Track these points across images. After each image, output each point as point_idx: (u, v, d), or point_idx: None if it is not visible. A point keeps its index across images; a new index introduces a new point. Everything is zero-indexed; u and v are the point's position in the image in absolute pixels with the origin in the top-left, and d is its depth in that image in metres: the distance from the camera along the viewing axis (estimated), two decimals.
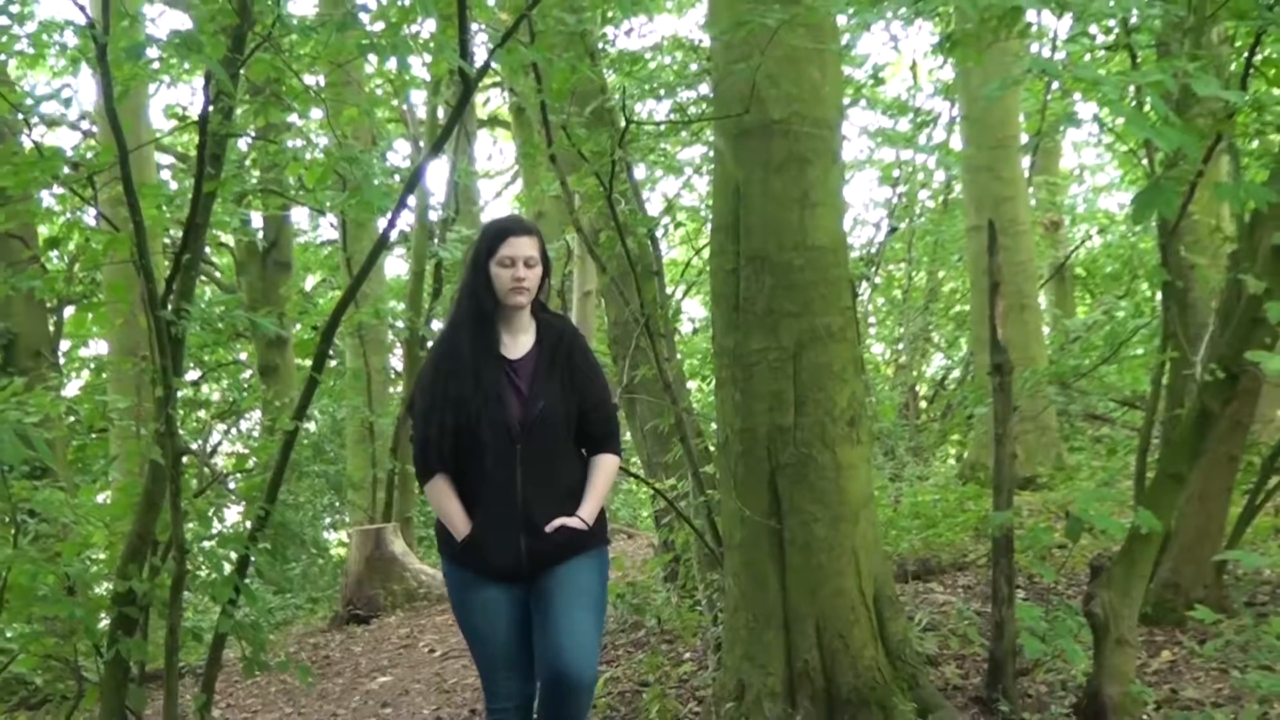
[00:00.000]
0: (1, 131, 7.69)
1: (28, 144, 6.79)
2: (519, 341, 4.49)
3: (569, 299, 14.30)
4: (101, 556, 7.06)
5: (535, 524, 4.32)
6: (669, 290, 10.47)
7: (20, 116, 7.18)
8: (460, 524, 4.39)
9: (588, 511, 4.44)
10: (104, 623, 5.43)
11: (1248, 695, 5.73)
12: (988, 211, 10.80)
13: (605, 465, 4.57)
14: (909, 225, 15.79)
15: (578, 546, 4.40)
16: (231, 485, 15.06)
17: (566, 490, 4.44)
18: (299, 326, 15.58)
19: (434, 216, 13.85)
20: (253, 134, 7.63)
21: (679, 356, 10.03)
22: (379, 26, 6.22)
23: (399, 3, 6.24)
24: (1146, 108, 5.56)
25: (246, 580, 5.77)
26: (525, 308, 4.46)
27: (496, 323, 4.45)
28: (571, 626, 4.28)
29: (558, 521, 4.35)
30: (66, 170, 6.82)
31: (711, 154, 7.06)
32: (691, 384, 11.98)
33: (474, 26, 5.55)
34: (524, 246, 4.37)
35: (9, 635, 7.18)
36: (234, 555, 6.00)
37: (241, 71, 5.56)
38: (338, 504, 17.27)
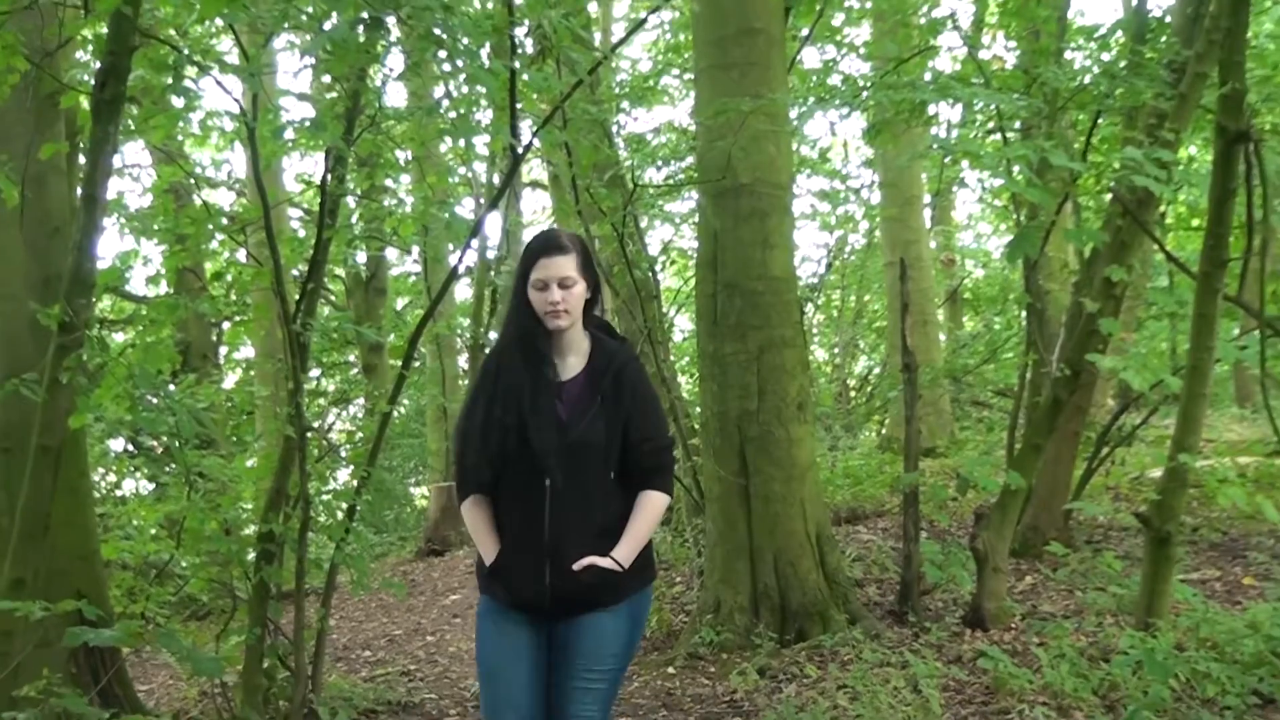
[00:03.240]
0: (179, 193, 7.68)
1: (198, 202, 6.79)
2: (568, 363, 3.16)
3: None
4: (249, 506, 7.05)
5: (562, 559, 3.01)
6: (665, 309, 10.45)
7: (193, 181, 7.19)
8: (488, 548, 3.14)
9: (623, 553, 3.05)
10: (251, 555, 5.43)
11: (1087, 609, 5.72)
12: (899, 251, 10.79)
13: (650, 504, 3.13)
14: (842, 262, 15.76)
15: (609, 594, 3.06)
16: (343, 453, 15.09)
17: (603, 527, 3.07)
18: (392, 336, 15.57)
19: (491, 255, 13.83)
20: (359, 194, 7.63)
21: (672, 358, 10.03)
22: (452, 114, 6.22)
23: (467, 95, 6.24)
24: (1015, 174, 5.54)
25: (353, 523, 5.76)
26: (569, 329, 3.12)
27: (542, 345, 3.13)
28: (584, 700, 3.07)
29: (586, 560, 3.01)
30: (225, 222, 6.83)
31: (697, 208, 7.05)
32: (682, 378, 11.94)
33: (521, 114, 5.56)
34: (559, 267, 3.06)
35: (184, 565, 7.17)
36: (344, 505, 6.01)
37: (352, 147, 5.56)
38: (420, 467, 17.33)
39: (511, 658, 3.11)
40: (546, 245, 3.10)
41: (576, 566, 3.00)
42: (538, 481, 3.02)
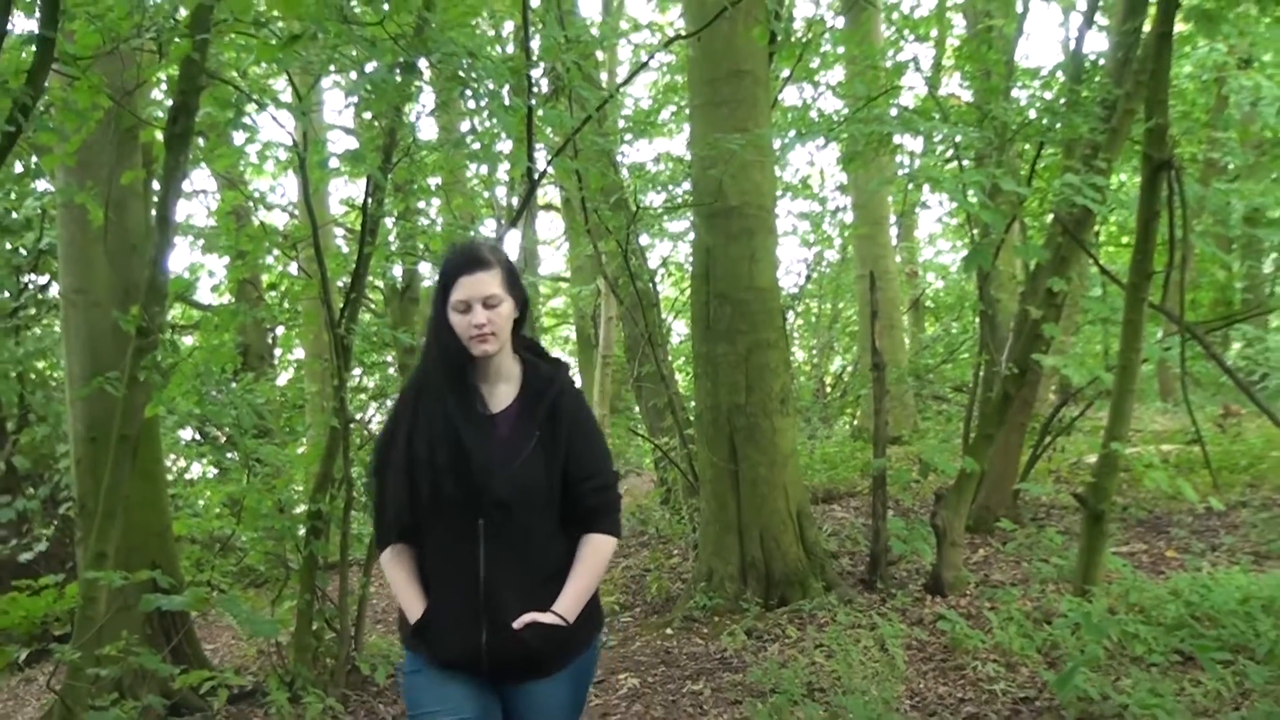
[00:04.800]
0: (240, 214, 7.71)
1: (256, 223, 6.82)
2: (498, 393, 2.41)
3: (599, 322, 14.27)
4: (300, 488, 7.09)
5: (500, 615, 2.29)
6: (664, 315, 10.47)
7: (251, 204, 7.21)
8: (412, 605, 2.37)
9: (567, 606, 2.33)
10: (301, 531, 5.45)
11: (1032, 578, 5.74)
12: (869, 265, 10.77)
13: (594, 548, 2.40)
14: (819, 274, 15.77)
15: (552, 659, 2.34)
16: None
17: (545, 576, 2.35)
18: (424, 340, 15.61)
19: None
20: (396, 215, 7.66)
21: (670, 358, 10.04)
22: (477, 145, 6.24)
23: (490, 129, 6.27)
24: (970, 197, 5.56)
25: None
26: (497, 354, 2.38)
27: (468, 374, 2.39)
28: None
29: (528, 617, 2.29)
30: (280, 239, 6.85)
31: (692, 227, 7.07)
32: (679, 376, 11.95)
33: (537, 145, 5.58)
34: (482, 284, 2.33)
35: (244, 539, 7.20)
36: None
37: (389, 175, 5.58)
38: None
39: (452, 709, 2.34)
40: (466, 261, 2.36)
41: (517, 625, 2.29)
42: (470, 528, 2.30)
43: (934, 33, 10.60)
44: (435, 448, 2.33)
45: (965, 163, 7.19)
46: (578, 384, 2.85)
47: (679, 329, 14.95)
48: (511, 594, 2.31)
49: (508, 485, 2.31)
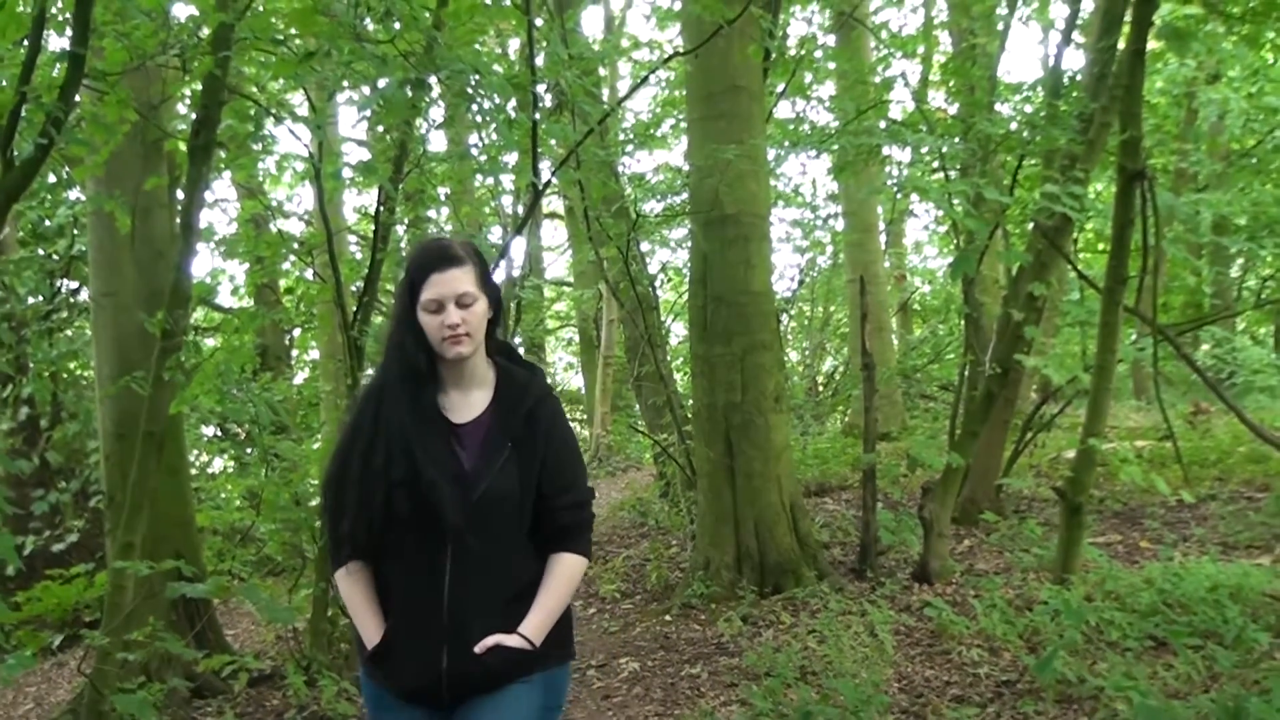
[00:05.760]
0: (259, 222, 7.73)
1: (274, 230, 6.84)
2: (470, 400, 2.15)
3: (601, 324, 14.29)
4: (315, 482, 7.10)
5: (463, 638, 2.04)
6: (663, 318, 10.48)
7: (270, 212, 7.24)
8: (370, 629, 2.10)
9: (533, 627, 2.07)
10: (317, 523, 5.46)
11: (1014, 567, 5.75)
12: (859, 270, 10.78)
13: (564, 568, 2.13)
14: (811, 279, 15.78)
15: (513, 671, 2.07)
16: None
17: (513, 596, 2.09)
18: None
19: (516, 273, 13.84)
20: (406, 223, 7.68)
21: (669, 359, 10.06)
22: (484, 157, 6.26)
23: (496, 141, 6.29)
24: (956, 205, 5.59)
25: None
26: (470, 357, 2.12)
27: (435, 379, 2.14)
28: None
29: (491, 640, 2.04)
30: (296, 246, 6.87)
31: (689, 234, 7.09)
32: (677, 376, 11.97)
33: (541, 157, 5.61)
34: (454, 281, 2.07)
35: (263, 530, 7.21)
36: None
37: (400, 185, 5.60)
38: None
39: None
40: (437, 257, 2.09)
41: (479, 649, 2.04)
42: (434, 546, 2.04)
43: (921, 50, 10.62)
44: (394, 461, 2.06)
45: (951, 173, 7.20)
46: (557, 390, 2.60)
47: (677, 331, 14.96)
48: (476, 615, 2.05)
49: (475, 499, 2.05)
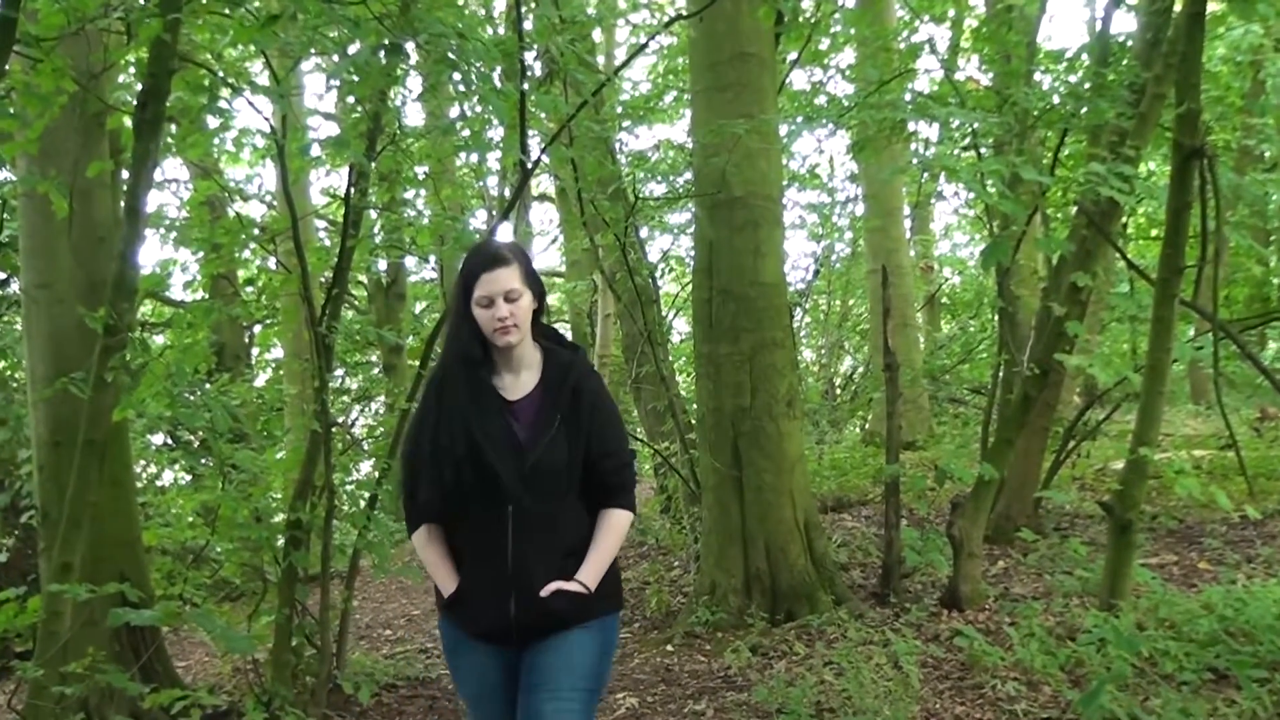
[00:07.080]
0: (214, 205, 7.70)
1: (232, 214, 6.81)
2: (521, 380, 2.78)
3: (596, 320, 14.28)
4: (279, 496, 7.07)
5: (528, 587, 2.65)
6: (664, 313, 10.46)
7: (227, 195, 7.21)
8: (446, 581, 2.75)
9: (589, 574, 2.70)
10: (280, 541, 5.44)
11: (1055, 591, 5.73)
12: (881, 259, 10.80)
13: (614, 522, 2.78)
14: (828, 269, 15.78)
15: (577, 615, 2.69)
16: (365, 447, 15.10)
17: (568, 549, 2.72)
18: (410, 338, 15.59)
19: None
20: (380, 206, 7.65)
21: (670, 358, 10.04)
22: (467, 132, 6.23)
23: (480, 115, 6.25)
24: (989, 187, 5.55)
25: (374, 511, 5.78)
26: (519, 344, 2.75)
27: (490, 363, 2.78)
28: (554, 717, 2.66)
29: (553, 585, 2.66)
30: (256, 232, 6.84)
31: (694, 219, 7.07)
32: (679, 377, 11.96)
33: (530, 132, 5.58)
34: (502, 280, 2.69)
35: (219, 550, 7.17)
36: (366, 495, 6.03)
37: (373, 163, 5.57)
38: None
39: (486, 686, 2.77)
40: (487, 260, 2.72)
41: (544, 592, 2.63)
42: (497, 509, 2.64)
43: (951, 13, 10.59)
44: (456, 439, 2.66)
45: (984, 150, 7.19)
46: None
47: (680, 327, 14.97)
48: (537, 568, 2.64)
49: (533, 468, 2.64)
